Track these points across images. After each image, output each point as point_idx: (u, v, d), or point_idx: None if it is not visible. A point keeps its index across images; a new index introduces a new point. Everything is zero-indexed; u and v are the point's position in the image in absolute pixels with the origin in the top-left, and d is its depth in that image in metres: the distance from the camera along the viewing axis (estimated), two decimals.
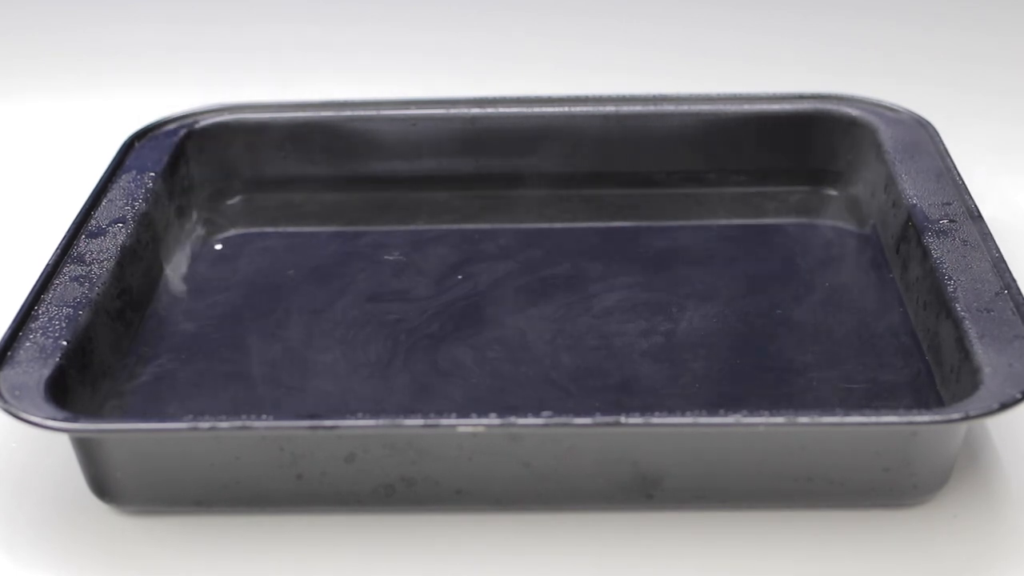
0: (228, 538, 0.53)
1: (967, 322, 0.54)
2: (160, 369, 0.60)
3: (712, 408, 0.53)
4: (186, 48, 0.94)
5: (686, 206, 0.71)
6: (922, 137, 0.68)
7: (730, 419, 0.50)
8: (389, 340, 0.61)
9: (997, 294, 0.56)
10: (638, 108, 0.72)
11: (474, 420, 0.51)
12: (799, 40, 0.91)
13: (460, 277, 0.65)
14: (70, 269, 0.60)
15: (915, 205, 0.63)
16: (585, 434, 0.52)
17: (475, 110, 0.72)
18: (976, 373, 0.52)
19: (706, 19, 0.94)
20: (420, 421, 0.51)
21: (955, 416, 0.50)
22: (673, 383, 0.58)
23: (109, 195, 0.65)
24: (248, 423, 0.51)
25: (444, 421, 0.51)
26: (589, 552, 0.52)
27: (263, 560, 0.52)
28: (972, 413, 0.50)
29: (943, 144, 0.67)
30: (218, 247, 0.69)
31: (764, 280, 0.64)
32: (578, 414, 0.51)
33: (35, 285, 0.58)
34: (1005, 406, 0.50)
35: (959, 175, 0.64)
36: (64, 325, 0.56)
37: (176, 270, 0.66)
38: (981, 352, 0.53)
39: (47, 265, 0.60)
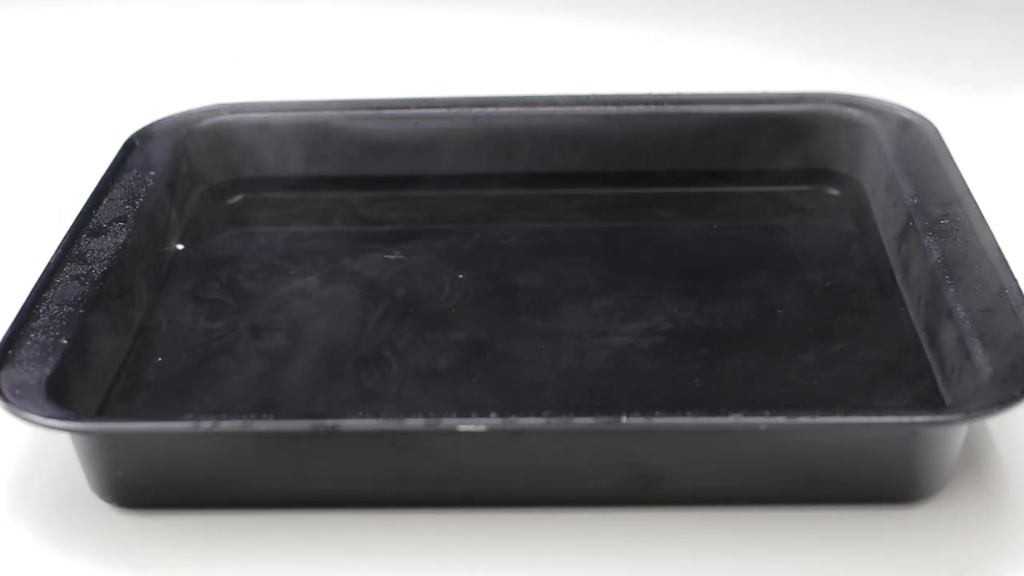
0: (228, 538, 0.53)
1: (968, 322, 0.55)
2: (161, 368, 0.60)
3: (712, 408, 0.53)
4: (186, 48, 0.94)
5: (686, 206, 0.71)
6: (923, 137, 0.68)
7: (730, 419, 0.50)
8: (390, 338, 0.61)
9: (998, 294, 0.56)
10: (639, 108, 0.72)
11: (475, 420, 0.51)
12: (799, 40, 0.91)
13: (461, 276, 0.65)
14: (71, 268, 0.60)
15: (916, 204, 0.63)
16: (585, 434, 0.52)
17: (476, 110, 0.72)
18: (977, 373, 0.52)
19: (706, 19, 0.94)
20: (421, 421, 0.51)
21: (956, 416, 0.51)
22: (674, 383, 0.58)
23: (110, 194, 0.65)
24: (248, 423, 0.51)
25: (445, 421, 0.51)
26: (589, 552, 0.52)
27: (263, 560, 0.52)
28: (973, 413, 0.50)
29: (944, 143, 0.67)
30: (218, 246, 0.69)
31: (764, 280, 0.64)
32: (578, 414, 0.51)
33: (36, 284, 0.58)
34: (1005, 406, 0.50)
35: (960, 174, 0.64)
36: (65, 324, 0.56)
37: (177, 269, 0.66)
38: (982, 352, 0.53)
39: (48, 264, 0.60)
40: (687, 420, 0.51)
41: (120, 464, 0.53)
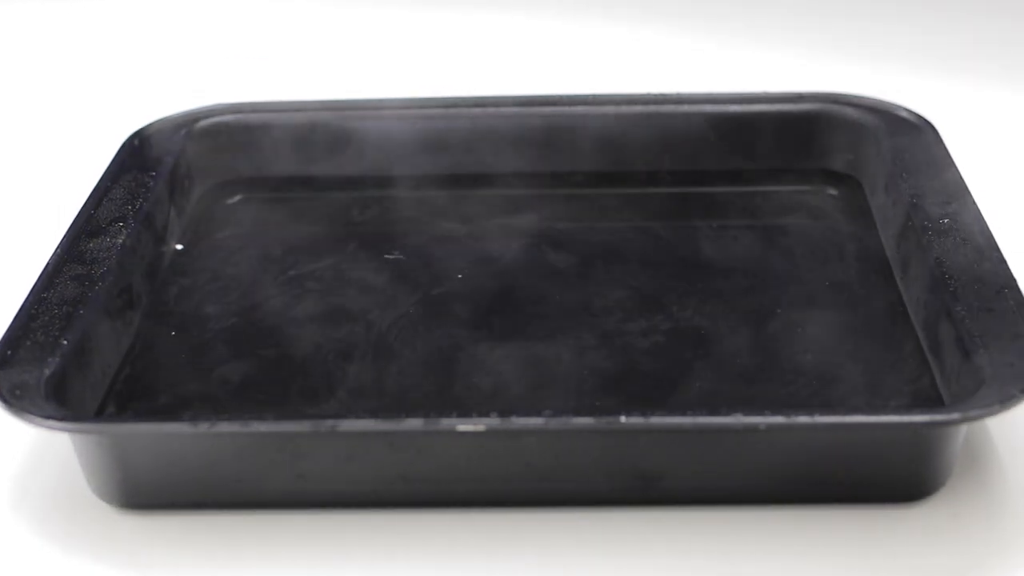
0: (228, 538, 0.53)
1: (967, 321, 0.54)
2: (160, 368, 0.60)
3: (712, 408, 0.53)
4: (186, 48, 0.94)
5: (686, 206, 0.71)
6: (922, 136, 0.68)
7: (730, 419, 0.50)
8: (389, 337, 0.61)
9: (997, 293, 0.56)
10: (639, 108, 0.72)
11: (474, 420, 0.51)
12: (799, 39, 0.91)
13: (460, 276, 0.66)
14: (71, 268, 0.60)
15: (915, 204, 0.63)
16: (585, 434, 0.52)
17: (476, 110, 0.72)
18: (976, 372, 0.52)
19: (707, 18, 0.94)
20: (420, 421, 0.51)
21: (955, 416, 0.50)
22: (673, 382, 0.58)
23: (110, 194, 0.65)
24: (248, 423, 0.51)
25: (444, 421, 0.51)
26: (589, 551, 0.52)
27: (263, 560, 0.52)
28: (972, 413, 0.50)
29: (943, 143, 0.67)
30: (218, 247, 0.69)
31: (764, 280, 0.64)
32: (578, 414, 0.51)
33: (36, 284, 0.58)
34: (1005, 405, 0.50)
35: (960, 174, 0.64)
36: (65, 324, 0.56)
37: (176, 269, 0.66)
38: (981, 351, 0.53)
39: (48, 264, 0.60)
40: (687, 420, 0.51)
41: (120, 464, 0.53)
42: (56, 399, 0.53)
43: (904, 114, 0.70)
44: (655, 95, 0.72)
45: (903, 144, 0.67)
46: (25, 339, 0.55)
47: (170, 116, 0.72)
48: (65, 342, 0.55)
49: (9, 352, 0.54)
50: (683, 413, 0.51)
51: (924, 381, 0.57)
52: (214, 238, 0.69)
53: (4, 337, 0.55)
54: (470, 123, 0.72)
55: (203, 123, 0.72)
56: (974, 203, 0.62)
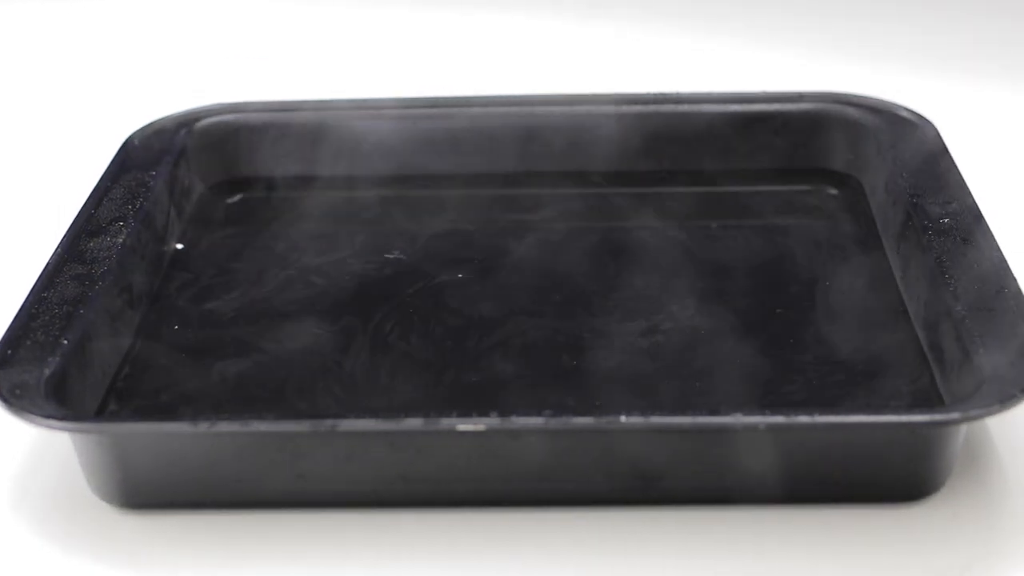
0: (228, 538, 0.53)
1: (967, 321, 0.54)
2: (160, 369, 0.60)
3: (712, 408, 0.53)
4: (186, 48, 0.94)
5: (686, 205, 0.71)
6: (922, 136, 0.68)
7: (730, 419, 0.50)
8: (389, 337, 0.61)
9: (997, 293, 0.56)
10: (638, 108, 0.72)
11: (474, 420, 0.51)
12: (799, 39, 0.91)
13: (460, 276, 0.66)
14: (71, 268, 0.60)
15: (915, 204, 0.63)
16: (585, 434, 0.52)
17: (476, 110, 0.72)
18: (976, 372, 0.52)
19: (706, 18, 0.94)
20: (420, 421, 0.51)
21: (955, 415, 0.50)
22: (673, 382, 0.58)
23: (110, 194, 0.65)
24: (248, 423, 0.51)
25: (444, 421, 0.51)
26: (589, 551, 0.52)
27: (263, 560, 0.52)
28: (972, 412, 0.50)
29: (943, 142, 0.67)
30: (218, 246, 0.69)
31: (764, 280, 0.64)
32: (578, 414, 0.51)
33: (36, 284, 0.58)
34: (1005, 405, 0.50)
35: (960, 174, 0.64)
36: (65, 324, 0.56)
37: (176, 268, 0.66)
38: (981, 351, 0.53)
39: (48, 264, 0.60)
40: (686, 420, 0.51)
41: (120, 464, 0.53)
42: (56, 399, 0.53)
43: (904, 114, 0.70)
44: (655, 95, 0.72)
45: (903, 144, 0.67)
46: (25, 339, 0.55)
47: (170, 116, 0.72)
48: (65, 342, 0.55)
49: (9, 352, 0.54)
50: (683, 413, 0.51)
51: (924, 381, 0.57)
52: (214, 238, 0.69)
53: (4, 337, 0.55)
54: (470, 123, 0.72)
55: (203, 123, 0.72)
56: (974, 203, 0.62)
